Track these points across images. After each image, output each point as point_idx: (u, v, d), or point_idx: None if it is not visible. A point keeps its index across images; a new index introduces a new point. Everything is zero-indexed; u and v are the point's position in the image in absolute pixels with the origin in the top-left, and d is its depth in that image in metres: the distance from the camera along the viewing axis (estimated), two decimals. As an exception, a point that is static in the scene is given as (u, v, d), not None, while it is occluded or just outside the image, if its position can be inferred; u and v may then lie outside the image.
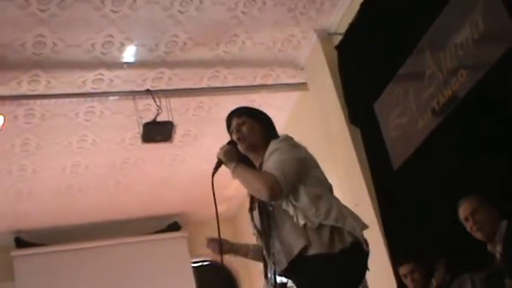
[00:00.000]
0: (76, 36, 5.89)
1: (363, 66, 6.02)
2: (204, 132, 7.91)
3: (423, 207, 5.23)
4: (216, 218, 3.39)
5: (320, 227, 2.98)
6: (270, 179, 3.05)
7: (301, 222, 3.00)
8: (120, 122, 7.24)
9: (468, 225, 4.20)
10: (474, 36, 4.60)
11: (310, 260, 2.97)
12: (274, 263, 3.13)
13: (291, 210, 3.05)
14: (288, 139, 3.27)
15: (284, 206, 3.08)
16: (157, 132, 6.59)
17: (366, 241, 3.06)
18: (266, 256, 3.22)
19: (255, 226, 3.34)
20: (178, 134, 6.97)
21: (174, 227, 10.01)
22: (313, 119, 7.10)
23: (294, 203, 3.06)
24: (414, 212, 5.39)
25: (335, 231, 2.98)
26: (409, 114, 5.51)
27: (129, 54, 6.35)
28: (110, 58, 6.28)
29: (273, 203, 3.12)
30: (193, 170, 8.60)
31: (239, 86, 7.10)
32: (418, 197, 5.31)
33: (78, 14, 5.62)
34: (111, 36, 6.01)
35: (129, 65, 6.48)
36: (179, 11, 5.94)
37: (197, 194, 9.27)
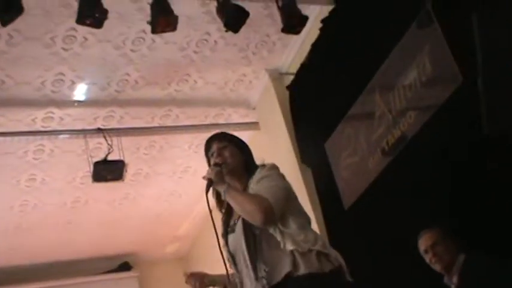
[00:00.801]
0: (26, 74, 5.83)
1: (314, 106, 6.07)
2: (156, 171, 7.86)
3: (374, 246, 5.26)
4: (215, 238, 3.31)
5: (308, 252, 3.01)
6: (264, 203, 3.06)
7: (290, 247, 3.01)
8: (71, 161, 7.14)
9: (427, 257, 4.27)
10: (421, 78, 4.70)
11: (302, 280, 2.96)
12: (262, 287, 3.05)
13: (278, 236, 3.05)
14: (276, 168, 3.35)
15: (271, 231, 3.08)
16: (108, 171, 6.51)
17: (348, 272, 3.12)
18: (250, 279, 3.13)
19: (229, 251, 3.29)
20: (129, 173, 6.89)
21: (125, 267, 9.86)
22: (264, 158, 7.10)
23: (282, 228, 3.07)
24: (365, 250, 5.41)
25: (321, 255, 3.03)
26: (359, 154, 5.56)
27: (80, 92, 6.30)
28: (60, 96, 6.21)
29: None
30: (145, 209, 8.54)
31: (191, 125, 7.08)
32: (369, 236, 5.34)
33: (27, 52, 5.56)
34: (62, 74, 5.95)
35: (80, 103, 6.42)
36: (131, 50, 5.93)
37: (148, 234, 9.22)
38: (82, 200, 8.01)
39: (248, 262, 3.12)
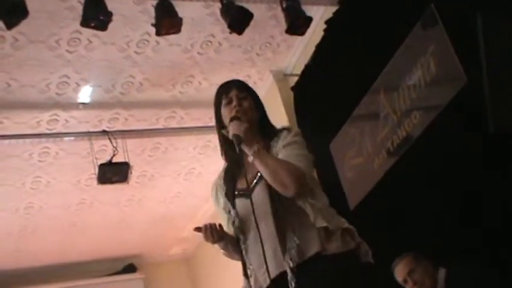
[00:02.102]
0: (30, 77, 5.84)
1: (319, 107, 6.07)
2: (161, 173, 7.87)
3: (379, 247, 5.25)
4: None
5: (337, 230, 2.78)
6: (298, 171, 2.76)
7: (321, 224, 2.74)
8: (76, 163, 7.16)
9: (408, 286, 4.23)
10: (426, 78, 4.70)
11: (334, 261, 2.71)
12: (290, 259, 2.72)
13: (308, 209, 2.77)
14: (301, 135, 3.01)
15: (300, 203, 2.78)
16: (113, 173, 6.52)
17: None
18: (275, 252, 2.78)
19: (237, 216, 2.91)
20: (134, 174, 6.91)
21: (130, 269, 9.87)
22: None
23: (312, 202, 2.80)
24: (371, 251, 5.40)
25: (347, 234, 2.80)
26: (364, 155, 5.56)
27: (84, 94, 6.31)
28: (65, 99, 6.22)
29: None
30: (150, 211, 8.55)
31: (195, 127, 7.08)
32: (375, 237, 5.33)
33: (32, 54, 5.57)
34: (67, 76, 5.97)
35: (84, 105, 6.43)
36: (135, 52, 5.94)
37: (153, 236, 9.23)
38: (87, 202, 8.03)
39: (273, 230, 2.79)
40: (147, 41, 5.83)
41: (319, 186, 2.98)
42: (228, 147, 3.01)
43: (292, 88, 6.61)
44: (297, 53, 6.57)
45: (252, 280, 2.88)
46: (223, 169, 3.12)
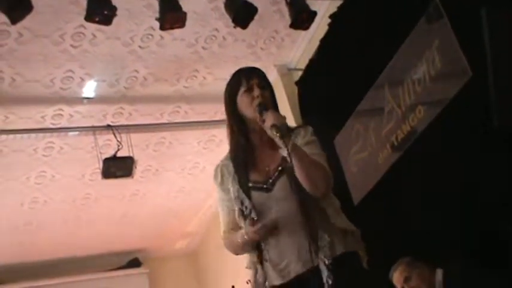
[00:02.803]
0: (35, 71, 5.84)
1: (323, 101, 6.06)
2: (165, 168, 7.87)
3: (384, 241, 5.25)
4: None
5: (353, 231, 2.83)
6: (328, 173, 2.76)
7: (341, 225, 2.78)
8: (80, 158, 7.16)
9: None
10: (431, 72, 4.69)
11: (359, 261, 2.79)
12: (324, 256, 2.70)
13: (330, 210, 2.79)
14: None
15: (322, 203, 2.78)
16: (117, 167, 6.53)
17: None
18: (296, 246, 2.75)
19: (254, 208, 2.79)
20: (138, 169, 6.92)
21: (135, 263, 9.88)
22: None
23: (333, 204, 2.83)
24: (375, 246, 5.39)
25: (356, 234, 2.85)
26: (369, 149, 5.56)
27: (89, 89, 6.31)
28: (69, 93, 6.22)
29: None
30: (154, 206, 8.56)
31: (200, 121, 7.09)
32: (379, 231, 5.33)
33: (37, 49, 5.58)
34: (71, 71, 5.97)
35: (89, 100, 6.43)
36: (140, 47, 5.94)
37: (158, 230, 9.24)
38: (92, 196, 8.04)
39: (299, 228, 2.74)
40: (152, 35, 5.83)
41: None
42: (241, 133, 2.92)
43: (297, 83, 6.61)
44: (301, 47, 6.57)
45: (267, 271, 2.84)
46: (230, 155, 3.00)
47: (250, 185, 2.86)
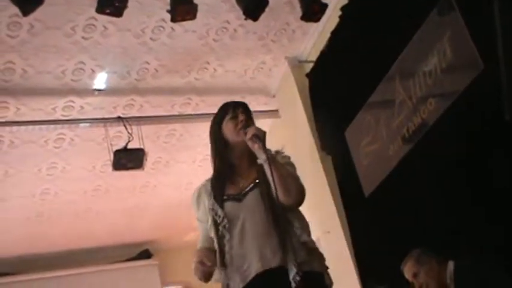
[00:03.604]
0: (46, 63, 5.86)
1: (334, 93, 6.07)
2: (176, 159, 7.89)
3: (394, 234, 5.26)
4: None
5: (315, 249, 2.98)
6: (302, 186, 2.98)
7: (305, 238, 2.93)
8: (91, 149, 7.19)
9: (417, 286, 4.28)
10: (442, 64, 4.68)
11: (317, 276, 2.91)
12: (293, 257, 2.85)
13: (296, 223, 2.95)
14: None
15: (289, 215, 2.95)
16: (128, 159, 6.53)
17: None
18: (262, 251, 2.90)
19: (226, 216, 3.01)
20: (149, 161, 6.93)
21: (145, 254, 9.92)
22: (284, 146, 7.11)
23: (300, 217, 2.99)
24: (385, 238, 5.40)
25: (320, 255, 3.00)
26: (379, 142, 5.55)
27: (100, 81, 6.33)
28: (80, 85, 6.25)
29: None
30: (165, 197, 8.58)
31: (211, 113, 7.02)
32: (389, 224, 5.33)
33: (48, 41, 5.60)
34: (82, 63, 5.99)
35: (100, 92, 6.45)
36: (151, 39, 5.95)
37: (168, 222, 9.25)
38: (102, 188, 8.07)
39: (264, 232, 2.92)
40: (163, 27, 5.84)
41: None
42: (223, 156, 3.18)
43: (307, 75, 6.61)
44: (312, 39, 6.56)
45: (230, 272, 2.99)
46: (211, 178, 3.25)
47: (224, 197, 3.08)
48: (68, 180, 7.70)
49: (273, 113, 7.27)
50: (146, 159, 6.61)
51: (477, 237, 4.32)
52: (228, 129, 3.16)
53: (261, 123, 7.53)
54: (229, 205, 3.05)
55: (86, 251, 9.40)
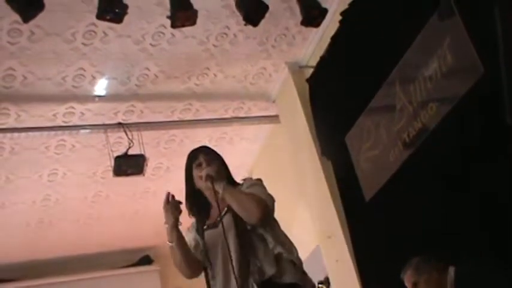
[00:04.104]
0: (47, 69, 5.87)
1: (334, 99, 6.07)
2: (176, 165, 7.86)
3: (394, 240, 5.25)
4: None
5: (291, 260, 3.16)
6: (262, 201, 3.22)
7: (278, 250, 3.16)
8: (92, 156, 7.19)
9: None
10: (442, 69, 4.67)
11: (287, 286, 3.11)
12: (254, 280, 3.13)
13: (268, 237, 3.20)
14: (262, 183, 3.47)
15: (261, 230, 3.21)
16: (128, 165, 6.54)
17: None
18: (228, 273, 3.22)
19: (204, 245, 3.41)
20: (150, 167, 6.94)
21: (146, 260, 9.89)
22: (285, 152, 7.12)
23: (272, 231, 3.23)
24: (386, 244, 5.40)
25: (298, 268, 3.20)
26: (380, 147, 5.55)
27: (100, 87, 6.33)
28: (81, 91, 6.25)
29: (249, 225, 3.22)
30: (165, 203, 8.56)
31: (211, 119, 7.10)
32: (390, 229, 5.33)
33: (48, 47, 5.60)
34: (83, 69, 5.99)
35: (100, 98, 6.45)
36: (151, 44, 5.96)
37: (169, 227, 9.21)
38: (103, 194, 8.07)
39: (238, 255, 3.20)
40: (163, 33, 5.85)
41: (279, 226, 3.37)
42: (197, 199, 3.59)
43: (308, 80, 6.61)
44: (312, 44, 6.56)
45: None
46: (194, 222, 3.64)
47: (205, 227, 3.48)
48: (69, 187, 7.70)
49: (273, 119, 7.27)
50: (147, 165, 6.62)
51: (478, 242, 4.31)
52: (196, 176, 3.56)
53: (261, 128, 7.60)
54: (209, 233, 3.43)
55: (87, 257, 9.37)
